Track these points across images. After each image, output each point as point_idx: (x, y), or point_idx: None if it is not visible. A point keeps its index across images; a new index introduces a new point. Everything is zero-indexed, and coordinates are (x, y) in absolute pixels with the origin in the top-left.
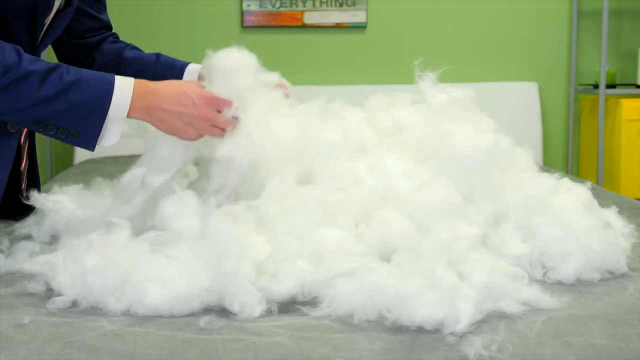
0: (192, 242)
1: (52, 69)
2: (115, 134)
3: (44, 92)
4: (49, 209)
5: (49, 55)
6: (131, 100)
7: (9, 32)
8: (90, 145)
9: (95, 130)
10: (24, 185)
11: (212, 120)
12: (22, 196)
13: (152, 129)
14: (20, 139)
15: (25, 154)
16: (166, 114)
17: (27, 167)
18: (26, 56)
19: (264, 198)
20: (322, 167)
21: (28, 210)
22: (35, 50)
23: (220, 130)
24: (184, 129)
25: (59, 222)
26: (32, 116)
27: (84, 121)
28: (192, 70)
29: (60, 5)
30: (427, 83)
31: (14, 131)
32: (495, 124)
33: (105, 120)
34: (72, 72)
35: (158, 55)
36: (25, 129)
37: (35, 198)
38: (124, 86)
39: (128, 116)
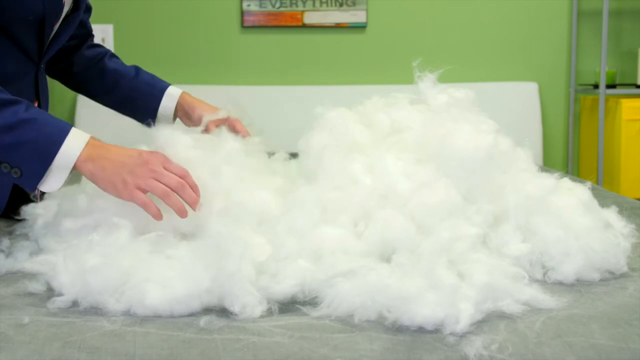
0: (193, 242)
1: (11, 102)
2: (58, 182)
3: None
4: (50, 210)
5: None
6: (81, 151)
7: (18, 40)
8: (29, 187)
9: (38, 173)
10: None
11: (156, 172)
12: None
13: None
14: None
15: None
16: (109, 162)
17: None
18: None
19: None
20: (321, 167)
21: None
22: (42, 56)
23: (163, 188)
24: (122, 181)
25: (60, 222)
26: None
27: (29, 162)
28: (171, 94)
29: (68, 11)
30: (427, 83)
31: None
32: (496, 125)
33: (51, 166)
34: (30, 111)
35: (137, 70)
36: None
37: (25, 210)
38: (78, 137)
39: (74, 167)
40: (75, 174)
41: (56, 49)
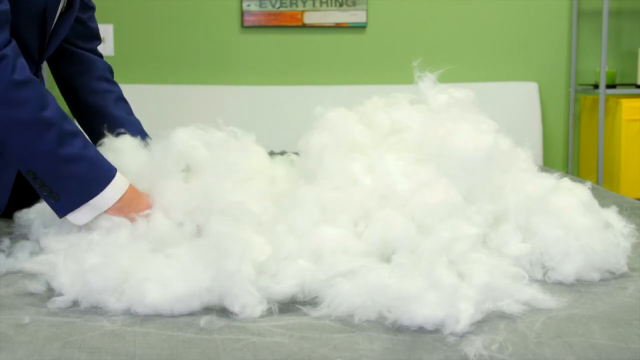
0: (193, 242)
1: (73, 133)
2: (85, 218)
3: (63, 150)
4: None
5: None
6: (116, 202)
7: (21, 36)
8: (60, 214)
9: (73, 205)
10: None
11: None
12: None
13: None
14: None
15: None
16: (130, 214)
17: None
18: (55, 104)
19: None
20: (321, 167)
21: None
22: (42, 54)
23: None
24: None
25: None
26: (34, 163)
27: (70, 193)
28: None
29: (62, 8)
30: (427, 83)
31: None
32: (496, 125)
33: (86, 204)
34: (88, 147)
35: (144, 135)
36: None
37: (19, 217)
38: (118, 186)
39: (105, 212)
40: None
41: (55, 46)
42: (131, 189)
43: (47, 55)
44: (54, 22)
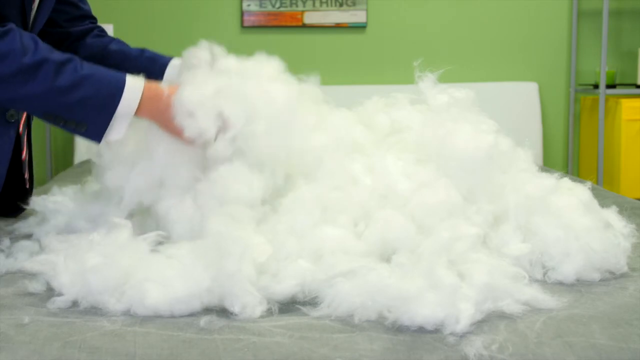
0: (193, 242)
1: (68, 60)
2: (121, 130)
3: (59, 82)
4: (50, 210)
5: None
6: (140, 100)
7: (3, 17)
8: (97, 139)
9: (103, 125)
10: (27, 175)
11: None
12: (25, 185)
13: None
14: (19, 129)
15: (25, 143)
16: (162, 111)
17: (28, 156)
18: (42, 43)
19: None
20: (321, 167)
21: (26, 200)
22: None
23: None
24: (176, 130)
25: (61, 222)
26: (44, 106)
27: (93, 115)
28: (175, 65)
29: None
30: (428, 83)
31: (12, 121)
32: (496, 125)
33: (114, 117)
34: (85, 66)
35: (143, 50)
36: (23, 118)
37: (35, 201)
38: (134, 86)
39: (135, 114)
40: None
41: (39, 27)
42: (149, 85)
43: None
44: (36, 5)
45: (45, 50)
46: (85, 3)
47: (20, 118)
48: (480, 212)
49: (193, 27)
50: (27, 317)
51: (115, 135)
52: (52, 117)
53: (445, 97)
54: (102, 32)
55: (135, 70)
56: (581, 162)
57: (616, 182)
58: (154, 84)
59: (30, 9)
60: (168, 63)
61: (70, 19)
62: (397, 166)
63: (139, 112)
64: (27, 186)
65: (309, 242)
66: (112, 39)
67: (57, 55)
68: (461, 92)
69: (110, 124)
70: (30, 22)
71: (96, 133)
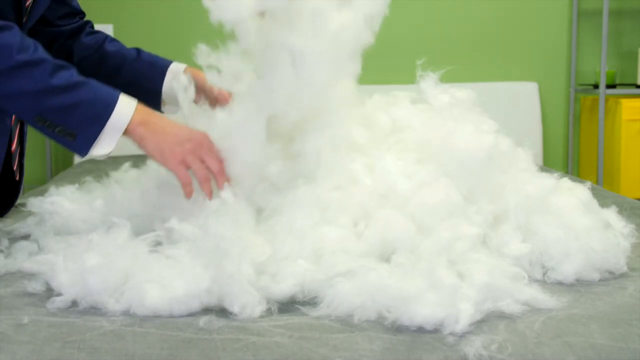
0: (192, 242)
1: (66, 65)
2: (109, 144)
3: (55, 81)
4: (48, 211)
5: None
6: (133, 114)
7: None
8: (84, 149)
9: (94, 135)
10: (15, 166)
11: (202, 154)
12: (14, 177)
13: None
14: (11, 120)
15: (16, 134)
16: (161, 129)
17: (19, 148)
18: (43, 48)
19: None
20: (321, 167)
21: (16, 192)
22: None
23: (204, 172)
24: (172, 149)
25: (59, 223)
26: (37, 106)
27: (85, 123)
28: (174, 70)
29: None
30: (429, 83)
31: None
32: (496, 125)
33: (105, 128)
34: (81, 75)
35: (139, 51)
36: None
37: (33, 203)
38: (127, 101)
39: (126, 131)
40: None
41: (33, 22)
42: (141, 105)
43: (25, 30)
44: (30, 3)
45: (45, 53)
46: (74, 0)
47: None
48: (480, 212)
49: (193, 28)
50: (26, 317)
51: (102, 150)
52: (43, 121)
53: (447, 97)
54: (92, 27)
55: (134, 74)
56: (581, 162)
57: (616, 182)
58: (147, 107)
59: (25, 8)
60: (167, 67)
61: (61, 16)
62: (397, 166)
63: (130, 129)
64: (17, 178)
65: (309, 242)
66: (105, 37)
67: (56, 60)
68: (463, 92)
69: (100, 135)
70: (25, 18)
71: (85, 143)
